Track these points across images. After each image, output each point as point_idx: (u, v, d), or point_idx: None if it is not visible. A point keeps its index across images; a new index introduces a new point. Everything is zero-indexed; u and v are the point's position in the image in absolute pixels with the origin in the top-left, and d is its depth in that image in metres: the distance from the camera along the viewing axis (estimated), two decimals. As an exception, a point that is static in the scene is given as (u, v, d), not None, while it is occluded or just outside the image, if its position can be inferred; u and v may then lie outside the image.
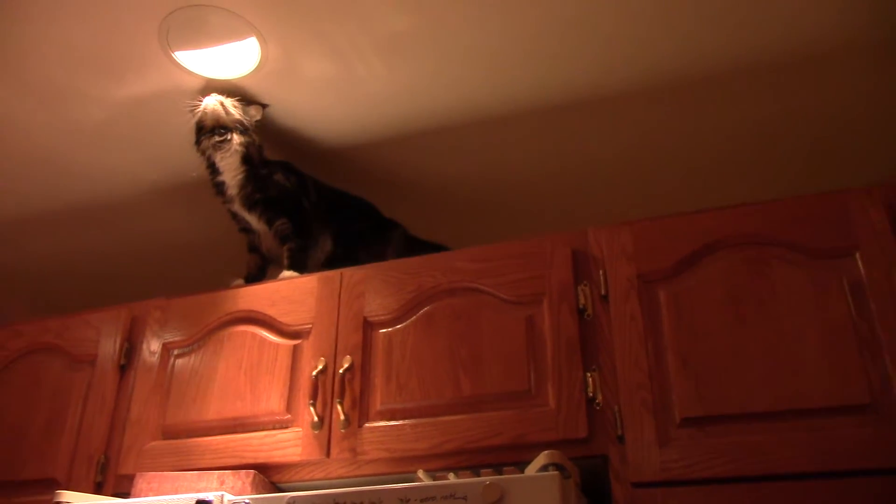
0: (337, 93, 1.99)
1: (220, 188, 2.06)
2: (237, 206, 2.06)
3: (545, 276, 1.68)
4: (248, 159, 2.03)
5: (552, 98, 2.01)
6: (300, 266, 1.99)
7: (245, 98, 2.01)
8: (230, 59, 1.90)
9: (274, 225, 2.05)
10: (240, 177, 2.03)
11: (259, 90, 2.00)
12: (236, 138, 1.99)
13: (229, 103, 1.97)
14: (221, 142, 1.99)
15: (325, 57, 1.88)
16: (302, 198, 2.11)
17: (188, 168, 2.21)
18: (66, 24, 1.79)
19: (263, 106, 2.04)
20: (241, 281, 2.04)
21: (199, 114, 1.98)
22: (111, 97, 2.00)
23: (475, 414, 1.59)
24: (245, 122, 1.99)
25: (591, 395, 1.53)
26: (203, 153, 2.03)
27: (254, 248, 2.13)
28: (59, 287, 2.80)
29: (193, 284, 2.14)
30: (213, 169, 2.04)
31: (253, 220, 2.07)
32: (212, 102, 1.96)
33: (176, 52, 1.87)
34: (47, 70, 1.91)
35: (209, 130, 1.99)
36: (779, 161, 2.18)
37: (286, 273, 1.97)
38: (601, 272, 1.65)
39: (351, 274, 1.84)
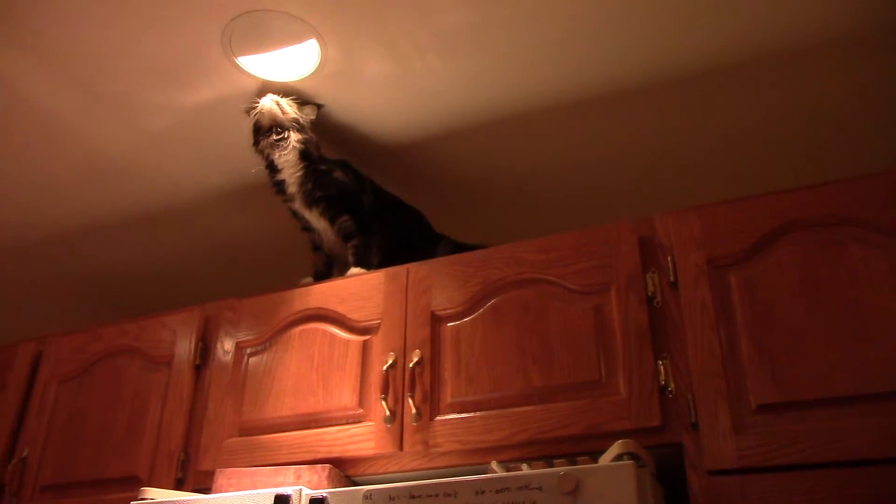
0: (394, 89, 2.01)
1: (279, 187, 2.09)
2: (298, 205, 2.08)
3: (612, 265, 1.67)
4: (307, 156, 2.05)
5: (602, 88, 1.99)
6: (366, 262, 2.01)
7: (301, 98, 2.04)
8: (291, 61, 1.93)
9: (336, 222, 2.07)
10: (299, 174, 2.05)
11: (319, 91, 2.03)
12: (293, 136, 2.02)
13: (285, 102, 2.00)
14: (279, 140, 2.02)
15: (384, 54, 1.90)
16: (362, 195, 2.13)
17: (250, 170, 2.25)
18: (134, 34, 1.85)
19: (318, 106, 2.06)
20: (310, 279, 2.07)
21: (256, 115, 2.02)
22: (177, 104, 2.06)
23: (546, 405, 1.59)
24: (301, 119, 2.02)
25: (663, 383, 1.52)
26: (261, 153, 2.07)
27: (317, 247, 2.16)
28: (134, 290, 2.90)
29: (262, 284, 2.19)
30: (271, 168, 2.07)
31: (313, 218, 2.09)
32: (268, 102, 1.99)
33: (238, 58, 1.91)
34: (115, 79, 1.98)
35: (266, 130, 2.03)
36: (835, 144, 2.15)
37: (353, 270, 1.99)
38: (669, 259, 1.63)
39: (417, 269, 1.86)
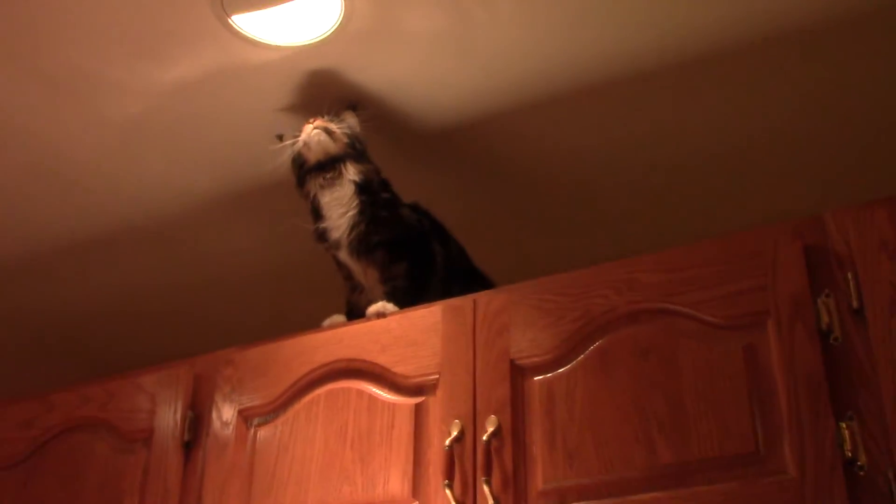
0: (445, 52, 1.93)
1: (322, 235, 2.01)
2: (344, 254, 2.00)
3: (767, 287, 1.54)
4: (365, 188, 1.99)
5: (727, 42, 1.94)
6: (400, 304, 1.90)
7: (339, 104, 2.01)
8: (303, 18, 1.87)
9: (388, 271, 2.00)
10: (352, 213, 1.98)
11: (341, 57, 1.94)
12: (350, 169, 1.99)
13: (334, 125, 1.95)
14: (332, 178, 1.99)
15: (430, 3, 1.81)
16: (433, 242, 2.05)
17: (253, 171, 2.25)
18: None
19: (353, 108, 2.02)
20: (340, 317, 1.98)
21: (299, 148, 1.97)
22: (151, 82, 2.00)
23: (681, 490, 1.48)
24: (357, 145, 1.98)
25: (849, 454, 1.39)
26: (307, 196, 2.02)
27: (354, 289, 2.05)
28: (98, 339, 2.87)
29: (272, 326, 2.14)
30: (316, 213, 2.00)
31: (360, 268, 2.02)
32: (314, 133, 1.95)
33: (233, 16, 1.84)
34: (68, 55, 1.93)
35: (314, 167, 1.99)
36: None
37: (378, 305, 1.88)
38: (849, 275, 1.50)
39: (488, 300, 1.73)
